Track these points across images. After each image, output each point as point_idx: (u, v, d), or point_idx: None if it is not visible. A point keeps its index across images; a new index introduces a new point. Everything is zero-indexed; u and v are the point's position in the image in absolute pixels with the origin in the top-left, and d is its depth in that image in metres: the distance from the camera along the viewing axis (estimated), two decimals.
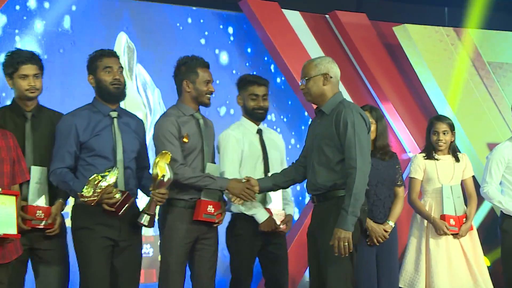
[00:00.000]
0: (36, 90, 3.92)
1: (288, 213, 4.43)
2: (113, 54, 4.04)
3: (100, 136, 3.94)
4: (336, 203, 3.88)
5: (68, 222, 4.01)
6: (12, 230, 3.60)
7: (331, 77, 3.97)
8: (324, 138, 3.95)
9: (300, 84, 4.08)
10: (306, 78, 4.00)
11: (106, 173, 3.78)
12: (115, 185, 3.80)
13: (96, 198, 3.75)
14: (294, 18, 6.62)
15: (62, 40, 5.82)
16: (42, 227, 3.87)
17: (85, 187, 3.75)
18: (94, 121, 3.96)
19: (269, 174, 4.35)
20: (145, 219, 3.92)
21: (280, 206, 4.40)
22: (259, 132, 4.45)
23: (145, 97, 6.22)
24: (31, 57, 3.92)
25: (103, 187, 3.75)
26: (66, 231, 4.05)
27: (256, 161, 4.38)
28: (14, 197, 3.62)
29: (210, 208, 4.09)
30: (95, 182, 3.74)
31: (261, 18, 6.37)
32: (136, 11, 6.20)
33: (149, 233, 5.91)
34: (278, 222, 4.31)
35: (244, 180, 4.11)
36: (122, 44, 6.04)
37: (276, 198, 4.38)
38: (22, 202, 3.81)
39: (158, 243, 4.27)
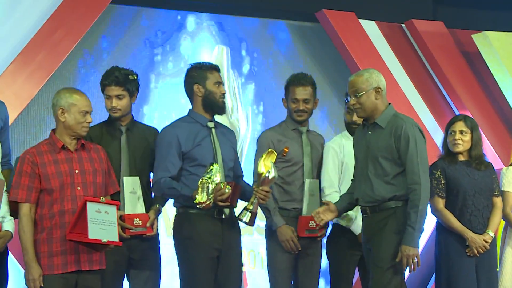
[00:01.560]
0: (118, 110, 4.11)
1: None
2: (219, 70, 4.21)
3: (201, 146, 4.06)
4: (392, 214, 3.90)
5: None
6: (115, 237, 3.75)
7: (382, 90, 3.99)
8: (380, 150, 3.95)
9: (349, 100, 4.08)
10: (359, 94, 3.97)
11: (209, 175, 3.87)
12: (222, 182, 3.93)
13: (211, 201, 3.86)
14: (370, 27, 6.63)
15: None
16: (141, 233, 4.05)
17: (198, 194, 3.86)
18: (194, 132, 4.08)
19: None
20: (247, 216, 4.01)
21: None
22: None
23: None
24: (116, 79, 4.11)
25: (213, 188, 3.86)
26: (159, 239, 4.22)
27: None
28: (115, 207, 3.78)
29: (312, 224, 4.24)
30: (206, 186, 3.86)
31: (338, 28, 6.41)
32: (228, 24, 6.40)
33: None
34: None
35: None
36: (224, 56, 6.23)
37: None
38: (119, 212, 3.97)
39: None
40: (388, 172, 3.93)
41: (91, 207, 3.70)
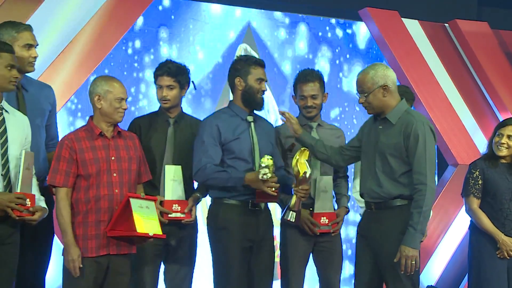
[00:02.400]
0: (168, 100, 4.21)
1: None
2: (264, 65, 4.22)
3: (239, 140, 4.12)
4: (399, 213, 3.85)
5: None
6: (158, 231, 3.83)
7: (389, 87, 3.90)
8: (389, 147, 3.89)
9: (359, 98, 3.99)
10: (365, 94, 3.92)
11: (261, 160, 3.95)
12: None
13: (273, 177, 3.93)
14: (413, 26, 6.65)
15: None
16: (179, 218, 4.13)
17: (262, 170, 3.89)
18: (233, 125, 4.14)
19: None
20: (291, 215, 4.09)
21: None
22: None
23: None
24: (168, 70, 4.21)
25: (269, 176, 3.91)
26: (197, 228, 4.30)
27: None
28: (153, 202, 3.88)
29: (324, 220, 4.25)
30: (269, 163, 3.91)
31: (380, 26, 6.45)
32: (259, 21, 6.47)
33: None
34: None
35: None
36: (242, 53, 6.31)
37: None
38: (160, 197, 4.09)
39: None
40: (395, 170, 3.88)
41: (134, 203, 3.77)
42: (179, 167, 4.16)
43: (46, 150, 4.07)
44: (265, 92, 4.18)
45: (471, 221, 4.70)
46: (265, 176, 3.90)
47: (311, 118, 4.45)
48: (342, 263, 4.48)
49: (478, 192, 4.59)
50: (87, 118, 3.95)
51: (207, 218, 4.20)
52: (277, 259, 4.33)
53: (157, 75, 4.25)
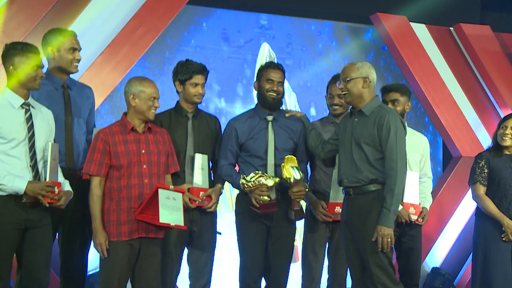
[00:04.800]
0: (201, 96, 4.45)
1: (423, 207, 4.68)
2: (278, 67, 4.48)
3: (254, 139, 4.43)
4: (375, 197, 4.03)
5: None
6: (181, 222, 3.98)
7: (370, 82, 4.11)
8: (364, 137, 4.08)
9: (339, 84, 4.21)
10: (348, 79, 4.11)
11: (270, 177, 4.26)
12: (270, 189, 4.27)
13: (250, 187, 4.25)
14: (421, 30, 6.81)
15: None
16: (204, 205, 4.34)
17: (250, 174, 4.26)
18: (251, 125, 4.46)
19: (408, 174, 4.39)
20: (290, 214, 4.38)
21: (416, 200, 4.63)
22: None
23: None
24: (203, 69, 4.43)
25: (260, 183, 4.24)
26: (216, 216, 4.52)
27: None
28: (181, 194, 4.01)
29: (338, 209, 4.41)
30: (258, 176, 4.25)
31: (390, 30, 6.65)
32: (279, 24, 6.80)
33: None
34: (414, 215, 4.57)
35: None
36: (264, 53, 6.64)
37: (413, 192, 4.62)
38: (187, 184, 4.30)
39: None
40: (369, 157, 4.05)
41: (162, 194, 3.89)
42: (206, 156, 4.38)
43: (86, 143, 4.32)
44: (279, 93, 4.42)
45: (476, 207, 4.87)
46: (245, 187, 4.24)
47: (337, 116, 4.64)
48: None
49: (484, 180, 4.76)
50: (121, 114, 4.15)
51: (235, 204, 4.54)
52: (296, 243, 4.57)
53: (193, 72, 4.37)
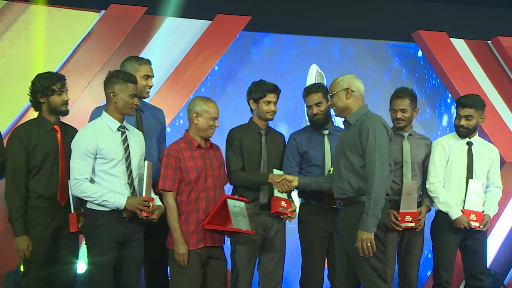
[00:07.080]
0: (274, 114, 4.70)
1: (486, 214, 4.81)
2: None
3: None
4: (361, 208, 4.01)
5: None
6: (248, 227, 4.21)
7: (353, 91, 4.15)
8: (348, 145, 4.12)
9: (328, 101, 4.31)
10: (330, 94, 4.21)
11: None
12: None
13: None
14: (460, 45, 6.95)
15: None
16: (285, 213, 4.53)
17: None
18: (310, 138, 4.74)
19: (471, 183, 4.69)
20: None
21: (479, 207, 4.76)
22: (469, 144, 4.87)
23: None
24: (275, 88, 4.68)
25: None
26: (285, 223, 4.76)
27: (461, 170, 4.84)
28: (243, 203, 4.28)
29: (408, 218, 4.65)
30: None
31: (432, 46, 6.80)
32: (323, 46, 7.03)
33: None
34: (475, 222, 4.69)
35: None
36: (313, 73, 6.85)
37: (475, 200, 4.73)
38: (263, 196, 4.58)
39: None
40: (354, 164, 4.07)
41: (230, 203, 4.10)
42: (281, 172, 4.64)
43: (158, 161, 4.46)
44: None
45: None
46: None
47: (401, 128, 4.82)
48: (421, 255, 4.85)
49: None
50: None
51: (299, 212, 4.80)
52: None
53: (267, 91, 4.61)
